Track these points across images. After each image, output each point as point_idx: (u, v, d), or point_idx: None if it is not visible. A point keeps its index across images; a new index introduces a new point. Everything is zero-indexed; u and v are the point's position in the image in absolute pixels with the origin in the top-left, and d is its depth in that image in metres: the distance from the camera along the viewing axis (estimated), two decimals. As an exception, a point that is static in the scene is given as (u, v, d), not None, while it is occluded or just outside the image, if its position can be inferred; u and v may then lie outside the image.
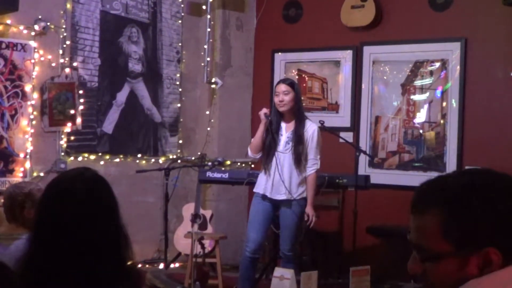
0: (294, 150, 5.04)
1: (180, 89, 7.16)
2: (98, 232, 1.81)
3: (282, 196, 5.06)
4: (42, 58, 5.90)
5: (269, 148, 5.08)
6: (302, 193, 5.09)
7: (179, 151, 7.15)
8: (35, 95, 5.86)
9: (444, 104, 6.41)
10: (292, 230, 5.11)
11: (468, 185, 1.31)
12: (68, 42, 6.10)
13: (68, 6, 6.11)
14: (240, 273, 5.24)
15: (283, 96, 5.06)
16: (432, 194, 1.33)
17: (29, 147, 5.82)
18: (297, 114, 5.12)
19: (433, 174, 2.15)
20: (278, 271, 3.79)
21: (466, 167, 4.90)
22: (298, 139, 5.05)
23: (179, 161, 6.97)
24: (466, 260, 1.27)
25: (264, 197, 5.13)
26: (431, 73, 6.49)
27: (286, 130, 5.12)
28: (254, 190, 5.25)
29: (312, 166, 5.10)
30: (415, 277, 1.35)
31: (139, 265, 6.15)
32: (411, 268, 1.35)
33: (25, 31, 5.79)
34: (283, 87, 5.10)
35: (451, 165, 6.31)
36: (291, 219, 5.09)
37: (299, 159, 5.04)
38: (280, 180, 5.03)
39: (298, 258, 5.42)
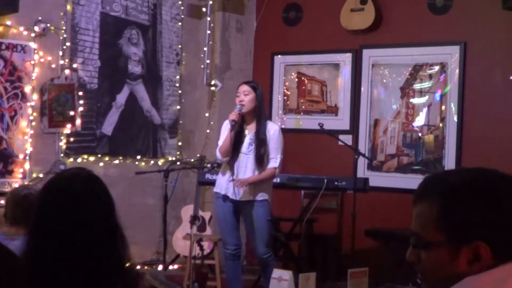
0: (256, 152, 5.06)
1: (179, 91, 7.17)
2: (95, 232, 1.81)
3: (244, 197, 5.07)
4: (42, 60, 5.91)
5: (233, 149, 5.08)
6: (263, 195, 5.10)
7: (178, 153, 7.15)
8: (35, 97, 5.87)
9: (443, 107, 6.42)
10: (263, 231, 5.11)
11: (467, 180, 1.34)
12: (68, 44, 6.11)
13: (68, 7, 6.12)
14: (227, 276, 5.25)
15: (243, 97, 5.09)
16: (432, 185, 1.37)
17: (29, 148, 5.83)
18: (258, 116, 5.13)
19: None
20: (276, 273, 3.80)
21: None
22: (260, 141, 5.07)
23: (178, 163, 6.98)
24: (457, 253, 1.30)
25: (225, 197, 5.14)
26: (430, 76, 6.50)
27: (248, 132, 5.13)
28: (215, 190, 5.24)
29: (271, 163, 5.09)
30: (412, 265, 1.38)
31: (138, 267, 6.15)
32: (408, 257, 1.39)
33: (25, 33, 5.80)
34: (244, 88, 5.14)
35: (449, 168, 6.31)
36: (257, 221, 5.09)
37: (261, 161, 5.06)
38: None
39: (274, 258, 5.37)
